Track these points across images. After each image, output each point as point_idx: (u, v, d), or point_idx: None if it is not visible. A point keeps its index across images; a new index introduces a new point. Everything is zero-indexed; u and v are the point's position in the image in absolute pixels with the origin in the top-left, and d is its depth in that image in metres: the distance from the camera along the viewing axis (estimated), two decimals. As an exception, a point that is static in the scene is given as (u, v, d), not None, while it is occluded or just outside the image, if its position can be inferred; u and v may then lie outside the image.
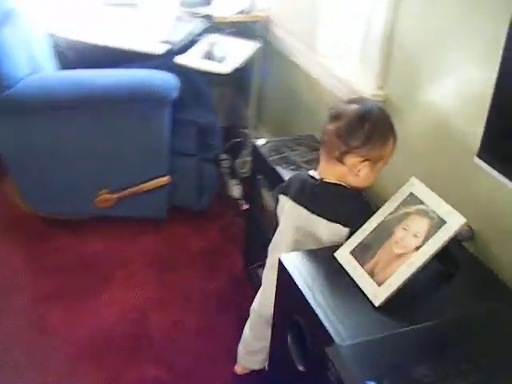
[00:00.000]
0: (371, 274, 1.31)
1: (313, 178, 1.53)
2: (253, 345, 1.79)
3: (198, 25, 2.46)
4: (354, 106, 1.45)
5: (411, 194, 1.39)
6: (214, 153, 2.54)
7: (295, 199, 1.55)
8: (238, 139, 2.98)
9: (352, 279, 1.33)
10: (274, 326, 1.53)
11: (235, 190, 2.83)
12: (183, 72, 2.37)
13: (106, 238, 2.49)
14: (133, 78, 2.22)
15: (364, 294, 1.28)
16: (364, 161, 1.44)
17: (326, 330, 1.17)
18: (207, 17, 2.53)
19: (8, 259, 2.37)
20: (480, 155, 1.34)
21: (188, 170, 2.49)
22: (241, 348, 1.84)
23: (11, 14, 2.20)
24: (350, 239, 1.41)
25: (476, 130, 1.40)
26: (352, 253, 1.38)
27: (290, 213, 1.57)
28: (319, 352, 1.22)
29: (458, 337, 1.17)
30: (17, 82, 2.15)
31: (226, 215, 2.72)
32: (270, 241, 2.12)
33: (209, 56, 2.32)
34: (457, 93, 1.52)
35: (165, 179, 2.39)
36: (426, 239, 1.29)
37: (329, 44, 2.14)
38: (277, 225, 1.87)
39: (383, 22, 1.79)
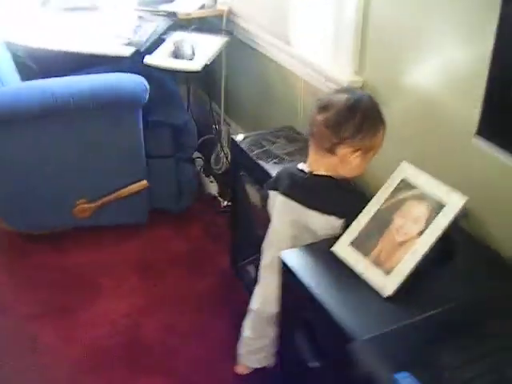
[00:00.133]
0: (376, 265, 1.30)
1: (302, 171, 1.52)
2: (254, 344, 1.77)
3: (161, 23, 2.40)
4: (343, 96, 1.44)
5: (404, 179, 1.39)
6: (191, 152, 2.51)
7: (286, 194, 1.54)
8: (209, 136, 2.94)
9: (355, 272, 1.32)
10: (280, 325, 1.52)
11: (212, 187, 2.80)
12: (148, 72, 2.32)
13: (88, 248, 2.43)
14: (102, 83, 2.16)
15: (370, 285, 1.28)
16: (355, 151, 1.44)
17: (339, 326, 1.16)
18: (170, 14, 2.47)
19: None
20: (479, 133, 1.33)
21: (165, 172, 2.45)
22: (241, 348, 1.82)
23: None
24: (346, 231, 1.40)
25: (469, 109, 1.39)
26: (352, 245, 1.37)
27: (282, 208, 1.55)
28: (334, 348, 1.22)
29: (473, 319, 1.18)
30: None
31: (206, 214, 2.69)
32: (257, 237, 2.11)
33: (177, 54, 2.27)
34: (443, 72, 1.50)
35: (143, 183, 2.35)
36: (427, 223, 1.29)
37: (300, 32, 2.12)
38: (268, 221, 1.86)
39: (356, 4, 1.76)
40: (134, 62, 2.40)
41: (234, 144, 2.05)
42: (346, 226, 1.42)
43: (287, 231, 1.55)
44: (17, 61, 2.51)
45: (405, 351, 1.07)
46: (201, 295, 2.22)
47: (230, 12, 2.55)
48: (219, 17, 2.54)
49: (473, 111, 1.36)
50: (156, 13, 2.48)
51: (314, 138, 1.48)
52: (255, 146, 1.99)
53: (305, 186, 1.50)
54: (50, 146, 2.22)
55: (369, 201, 1.42)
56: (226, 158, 2.87)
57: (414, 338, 1.13)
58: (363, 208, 1.40)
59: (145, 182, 2.34)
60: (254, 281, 2.15)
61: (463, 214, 1.52)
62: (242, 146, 2.00)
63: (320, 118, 1.45)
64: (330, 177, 1.48)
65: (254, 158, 1.92)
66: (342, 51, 1.92)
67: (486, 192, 1.43)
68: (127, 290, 2.23)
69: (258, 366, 1.83)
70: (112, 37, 2.35)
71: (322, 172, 1.48)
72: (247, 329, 1.76)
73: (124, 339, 2.01)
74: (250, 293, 2.13)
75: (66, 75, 2.29)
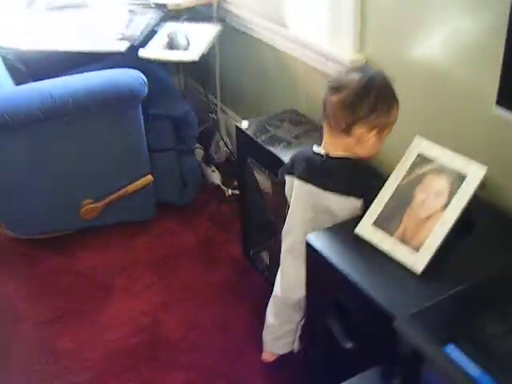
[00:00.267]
0: (403, 242, 1.29)
1: (318, 154, 1.50)
2: (279, 330, 1.76)
3: (153, 16, 2.37)
4: (356, 75, 1.42)
5: (420, 153, 1.38)
6: (192, 143, 2.48)
7: (303, 178, 1.52)
8: (206, 126, 2.92)
9: (381, 251, 1.32)
10: (308, 308, 1.51)
11: (214, 177, 2.78)
12: (142, 66, 2.29)
13: (96, 250, 2.41)
14: (100, 80, 2.13)
15: (399, 263, 1.27)
16: (371, 130, 1.42)
17: (376, 305, 1.16)
18: (160, 6, 2.44)
19: (3, 288, 2.26)
20: (499, 102, 1.31)
21: (168, 165, 2.43)
22: (266, 335, 1.82)
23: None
24: (368, 211, 1.38)
25: (484, 79, 1.39)
26: (375, 224, 1.36)
27: (299, 193, 1.54)
28: (371, 327, 1.21)
29: (507, 288, 1.18)
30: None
31: (211, 204, 2.67)
32: (269, 223, 2.11)
33: (171, 46, 2.24)
34: (452, 43, 1.48)
35: (148, 178, 2.32)
36: (450, 196, 1.28)
37: (297, 14, 2.09)
38: (280, 206, 1.85)
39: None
40: (125, 57, 2.36)
41: (239, 131, 2.03)
42: (366, 206, 1.41)
43: (306, 215, 1.54)
44: (6, 64, 2.46)
45: (447, 325, 1.07)
46: (217, 286, 2.21)
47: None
48: (209, 5, 2.50)
49: (489, 81, 1.35)
50: (146, 6, 2.44)
51: (328, 119, 1.46)
52: (261, 132, 1.98)
53: (322, 169, 1.48)
54: (50, 147, 2.19)
55: (386, 179, 1.41)
56: (226, 146, 2.85)
57: (454, 312, 1.12)
58: (381, 187, 1.39)
59: (150, 176, 2.32)
60: (269, 267, 2.17)
61: (480, 185, 1.52)
62: (248, 132, 1.98)
63: (334, 98, 1.43)
64: (347, 158, 1.47)
65: (263, 143, 1.90)
66: (341, 29, 1.90)
67: (507, 161, 1.42)
68: (142, 288, 2.21)
69: (285, 352, 1.83)
70: (105, 33, 2.31)
71: (338, 153, 1.47)
72: (271, 316, 1.76)
73: (146, 337, 1.99)
74: (266, 279, 2.15)
75: (56, 76, 2.25)
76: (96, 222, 2.40)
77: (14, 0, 2.76)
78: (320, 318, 1.41)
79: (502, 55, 1.26)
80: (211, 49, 2.44)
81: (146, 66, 2.34)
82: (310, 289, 1.46)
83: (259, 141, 1.92)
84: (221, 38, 2.53)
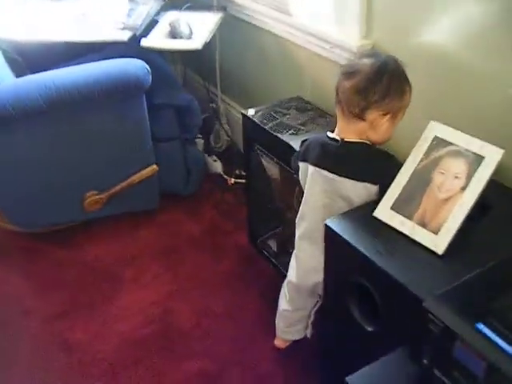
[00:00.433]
0: (422, 225, 1.30)
1: (333, 139, 1.51)
2: (292, 316, 1.78)
3: (153, 5, 2.35)
4: (369, 60, 1.43)
5: (436, 137, 1.39)
6: (196, 132, 2.48)
7: (318, 164, 1.52)
8: (207, 115, 2.91)
9: (401, 233, 1.33)
10: (327, 293, 1.52)
11: (216, 166, 2.78)
12: (142, 55, 2.27)
13: (102, 241, 2.40)
14: (104, 70, 2.10)
15: (420, 245, 1.28)
16: (385, 114, 1.43)
17: (401, 286, 1.17)
18: (160, -6, 2.42)
19: (8, 284, 2.24)
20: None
21: (172, 155, 2.42)
22: (279, 322, 1.83)
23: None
24: (385, 195, 1.39)
25: (499, 61, 1.40)
26: (393, 208, 1.37)
27: (314, 179, 1.55)
28: (397, 309, 1.22)
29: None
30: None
31: (214, 193, 2.67)
32: (278, 210, 2.12)
33: (174, 34, 2.23)
34: (463, 27, 1.49)
35: (153, 168, 2.31)
36: (468, 178, 1.29)
37: (301, 1, 2.09)
38: (289, 192, 1.85)
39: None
40: (124, 47, 2.35)
41: (245, 119, 2.03)
42: (382, 191, 1.42)
43: (321, 201, 1.54)
44: (5, 56, 2.43)
45: (474, 304, 1.08)
46: (224, 274, 2.21)
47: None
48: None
49: (503, 63, 1.36)
50: (146, -6, 2.43)
51: (342, 104, 1.46)
52: (268, 119, 1.98)
53: (337, 155, 1.49)
54: (54, 139, 2.17)
55: (402, 164, 1.42)
56: (227, 135, 2.84)
57: (480, 291, 1.13)
58: (397, 172, 1.40)
59: (155, 166, 2.31)
60: (277, 254, 2.18)
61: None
62: (255, 119, 1.97)
63: (347, 84, 1.44)
64: (363, 143, 1.47)
65: (271, 130, 1.89)
66: (347, 15, 1.89)
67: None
68: (150, 278, 2.21)
69: (298, 338, 1.84)
70: (105, 23, 2.29)
71: (353, 139, 1.47)
72: (284, 302, 1.77)
73: (158, 327, 1.99)
74: (274, 266, 2.16)
75: (54, 67, 2.23)
76: (99, 214, 2.39)
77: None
78: (339, 302, 1.42)
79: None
80: (211, 38, 2.43)
81: (145, 55, 2.31)
82: (328, 273, 1.47)
83: (267, 128, 1.92)
84: (221, 27, 2.52)
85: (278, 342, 1.88)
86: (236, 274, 2.22)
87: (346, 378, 1.12)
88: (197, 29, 2.25)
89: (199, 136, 2.85)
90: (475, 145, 1.32)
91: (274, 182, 2.05)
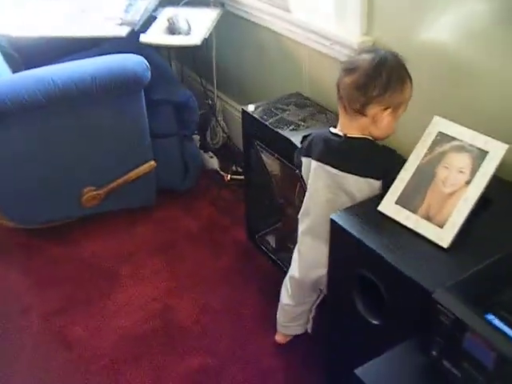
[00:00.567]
0: (427, 219, 1.32)
1: (336, 135, 1.51)
2: (294, 311, 1.79)
3: (151, 0, 2.34)
4: (368, 56, 1.44)
5: (440, 132, 1.40)
6: (194, 128, 2.47)
7: (321, 159, 1.53)
8: (203, 111, 2.90)
9: (406, 228, 1.34)
10: (331, 287, 1.53)
11: (212, 162, 2.77)
12: (139, 51, 2.26)
13: (99, 237, 2.40)
14: (102, 65, 2.09)
15: (425, 239, 1.30)
16: (385, 109, 1.44)
17: (409, 279, 1.18)
18: (157, -10, 2.42)
19: (6, 281, 2.23)
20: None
21: (170, 151, 2.42)
22: (280, 317, 1.84)
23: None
24: (390, 190, 1.40)
25: (500, 59, 1.41)
26: (398, 202, 1.38)
27: (317, 174, 1.55)
28: (404, 302, 1.23)
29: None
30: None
31: (211, 189, 2.68)
32: (277, 206, 2.13)
33: (172, 30, 2.22)
34: (465, 24, 1.50)
35: (151, 164, 2.31)
36: (473, 172, 1.31)
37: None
38: (289, 188, 1.86)
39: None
40: (120, 43, 2.34)
41: (245, 115, 2.03)
42: (386, 186, 1.43)
43: (324, 196, 1.55)
44: (2, 51, 2.41)
45: (483, 296, 1.09)
46: (223, 270, 2.22)
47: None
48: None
49: (506, 59, 1.37)
50: (144, -10, 2.42)
51: (343, 100, 1.47)
52: (268, 115, 1.98)
53: (340, 150, 1.49)
54: (51, 134, 2.16)
55: (405, 159, 1.43)
56: (224, 131, 2.84)
57: (488, 284, 1.15)
58: (401, 167, 1.41)
59: (153, 162, 2.31)
60: (275, 250, 2.18)
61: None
62: (255, 115, 1.98)
63: (347, 80, 1.45)
64: (366, 138, 1.48)
65: (271, 126, 1.90)
66: (347, 12, 1.90)
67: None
68: (148, 274, 2.21)
69: (299, 333, 1.85)
70: (103, 18, 2.28)
71: (356, 134, 1.48)
72: (286, 297, 1.77)
73: (158, 324, 1.99)
74: (273, 262, 2.17)
75: (50, 63, 2.21)
76: (96, 210, 2.38)
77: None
78: (343, 296, 1.43)
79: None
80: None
81: (142, 51, 2.31)
82: (333, 267, 1.47)
83: (267, 124, 1.92)
84: (217, 24, 2.51)
85: (278, 338, 1.88)
86: (235, 269, 2.22)
87: (355, 371, 1.12)
88: (195, 25, 2.25)
89: (195, 132, 2.85)
90: (479, 140, 1.33)
91: (274, 177, 2.06)
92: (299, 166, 1.64)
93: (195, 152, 2.55)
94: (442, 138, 1.39)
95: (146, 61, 2.13)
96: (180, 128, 2.40)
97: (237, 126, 2.76)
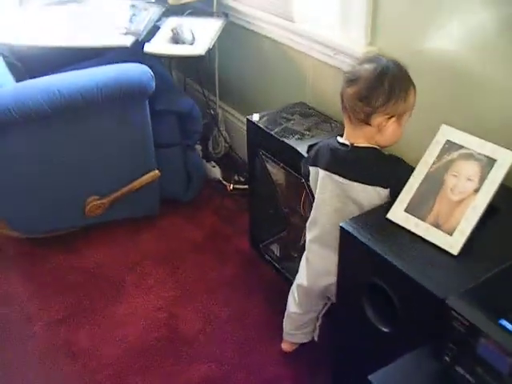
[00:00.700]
0: (436, 226, 1.33)
1: (343, 144, 1.52)
2: (302, 319, 1.79)
3: (155, 11, 2.36)
4: (370, 66, 1.45)
5: (448, 141, 1.41)
6: (197, 138, 2.48)
7: (328, 169, 1.54)
8: (205, 121, 2.91)
9: (415, 235, 1.35)
10: (340, 296, 1.53)
11: (215, 172, 2.78)
12: (142, 61, 2.27)
13: (103, 246, 2.39)
14: (107, 75, 2.10)
15: (434, 246, 1.31)
16: (390, 117, 1.45)
17: (421, 287, 1.19)
18: (161, 1, 2.43)
19: (10, 290, 2.22)
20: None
21: (173, 160, 2.43)
22: (287, 325, 1.84)
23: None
24: (399, 198, 1.41)
25: (505, 68, 1.43)
26: (407, 210, 1.39)
27: (325, 183, 1.56)
28: (416, 309, 1.24)
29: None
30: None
31: (214, 199, 2.68)
32: (282, 215, 2.13)
33: (177, 40, 2.24)
34: (470, 34, 1.52)
35: (155, 173, 2.32)
36: (481, 180, 1.32)
37: (305, 7, 2.11)
38: (294, 197, 1.87)
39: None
40: (123, 53, 2.35)
41: (250, 124, 2.04)
42: (394, 195, 1.43)
43: (332, 205, 1.55)
44: (5, 61, 2.42)
45: (496, 302, 1.10)
46: (227, 279, 2.22)
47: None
48: (210, 1, 2.50)
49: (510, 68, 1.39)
50: (147, 0, 2.43)
51: (347, 111, 1.48)
52: (273, 125, 1.99)
53: (348, 159, 1.50)
54: (55, 144, 2.16)
55: (412, 167, 1.44)
56: (226, 141, 2.85)
57: (500, 290, 1.16)
58: (408, 175, 1.42)
59: (157, 171, 2.32)
60: (279, 259, 2.19)
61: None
62: (261, 125, 1.99)
63: (350, 91, 1.46)
64: (373, 147, 1.49)
65: (277, 136, 1.91)
66: (352, 22, 1.92)
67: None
68: (153, 284, 2.20)
69: (306, 341, 1.85)
70: (108, 28, 2.29)
71: (362, 143, 1.49)
72: (293, 305, 1.78)
73: (162, 333, 1.99)
74: (277, 271, 2.17)
75: (53, 73, 2.22)
76: (100, 219, 2.38)
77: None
78: (353, 304, 1.43)
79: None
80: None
81: (145, 61, 2.32)
82: (343, 275, 1.48)
83: (273, 133, 1.94)
84: (220, 34, 2.53)
85: (284, 346, 1.89)
86: (239, 278, 2.22)
87: (369, 377, 1.13)
88: (199, 35, 2.27)
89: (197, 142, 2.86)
90: (487, 148, 1.34)
91: (279, 186, 2.07)
92: (307, 176, 1.65)
93: (198, 162, 2.56)
94: (451, 146, 1.40)
95: (150, 70, 2.14)
96: (183, 138, 2.41)
97: (239, 135, 2.79)
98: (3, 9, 2.66)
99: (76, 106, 2.05)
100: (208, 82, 2.84)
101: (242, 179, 2.73)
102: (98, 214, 2.32)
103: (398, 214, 1.40)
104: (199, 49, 2.19)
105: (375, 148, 1.50)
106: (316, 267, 1.65)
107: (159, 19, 2.37)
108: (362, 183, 1.48)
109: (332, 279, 1.58)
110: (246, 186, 2.59)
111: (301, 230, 1.99)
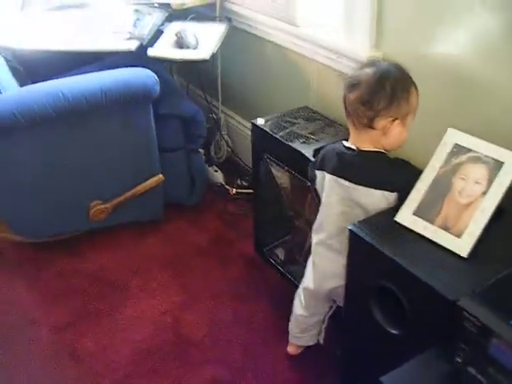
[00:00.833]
0: (445, 229, 1.33)
1: (349, 148, 1.53)
2: (308, 322, 1.80)
3: (158, 15, 2.37)
4: (370, 70, 1.46)
5: (456, 144, 1.42)
6: (201, 142, 2.49)
7: (335, 173, 1.54)
8: (208, 126, 2.92)
9: (424, 238, 1.35)
10: (348, 298, 1.54)
11: (217, 176, 2.79)
12: (145, 65, 2.28)
13: (107, 251, 2.40)
14: (112, 79, 2.10)
15: (443, 249, 1.31)
16: (394, 120, 1.46)
17: (431, 289, 1.19)
18: (164, 6, 2.44)
19: (15, 294, 2.22)
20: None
21: (177, 165, 2.44)
22: (293, 327, 1.84)
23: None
24: (407, 201, 1.41)
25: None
26: (415, 213, 1.39)
27: (331, 187, 1.56)
28: (427, 311, 1.25)
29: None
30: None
31: (217, 203, 2.69)
32: (287, 218, 2.14)
33: (180, 45, 2.24)
34: (476, 39, 1.53)
35: (159, 177, 2.32)
36: (489, 183, 1.33)
37: (309, 11, 2.13)
38: (300, 201, 1.87)
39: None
40: (125, 58, 2.36)
41: (254, 128, 2.05)
42: (401, 199, 1.44)
43: (338, 209, 1.56)
44: (8, 66, 2.43)
45: (507, 302, 1.11)
46: (232, 283, 2.22)
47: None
48: (213, 5, 2.51)
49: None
50: (150, 5, 2.45)
51: (351, 116, 1.49)
52: (277, 129, 2.00)
53: (354, 163, 1.51)
54: (59, 148, 2.16)
55: (419, 170, 1.45)
56: (228, 145, 2.86)
57: (509, 292, 1.17)
58: (416, 178, 1.43)
59: (161, 176, 2.32)
60: (284, 263, 2.19)
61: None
62: (266, 129, 2.00)
63: (352, 96, 1.47)
64: (379, 151, 1.50)
65: (283, 140, 1.92)
66: (356, 26, 1.93)
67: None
68: (158, 288, 2.21)
69: (311, 344, 1.86)
70: (111, 32, 2.30)
71: (368, 147, 1.50)
72: (300, 308, 1.78)
73: (168, 337, 1.99)
74: (282, 275, 2.17)
75: (57, 77, 2.22)
76: (104, 223, 2.38)
77: (6, 2, 2.73)
78: (362, 306, 1.44)
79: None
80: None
81: (148, 65, 2.33)
82: (351, 278, 1.48)
83: (278, 137, 1.94)
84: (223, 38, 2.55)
85: (290, 349, 1.89)
86: (243, 282, 2.23)
87: (381, 378, 1.13)
88: (203, 39, 2.27)
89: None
90: (495, 151, 1.35)
91: (284, 190, 2.07)
92: (313, 180, 1.66)
93: (202, 166, 2.56)
94: (458, 149, 1.41)
95: (154, 75, 2.15)
96: (187, 142, 2.42)
97: (241, 140, 2.80)
98: (6, 13, 2.66)
99: (80, 109, 2.05)
100: (210, 86, 2.84)
101: (244, 183, 2.74)
102: (102, 218, 2.32)
103: (406, 216, 1.41)
104: (203, 53, 2.20)
105: (382, 152, 1.51)
106: (322, 270, 1.66)
107: (162, 24, 2.38)
108: (369, 187, 1.48)
109: (338, 282, 1.59)
110: (248, 190, 2.60)
111: (305, 234, 1.99)
